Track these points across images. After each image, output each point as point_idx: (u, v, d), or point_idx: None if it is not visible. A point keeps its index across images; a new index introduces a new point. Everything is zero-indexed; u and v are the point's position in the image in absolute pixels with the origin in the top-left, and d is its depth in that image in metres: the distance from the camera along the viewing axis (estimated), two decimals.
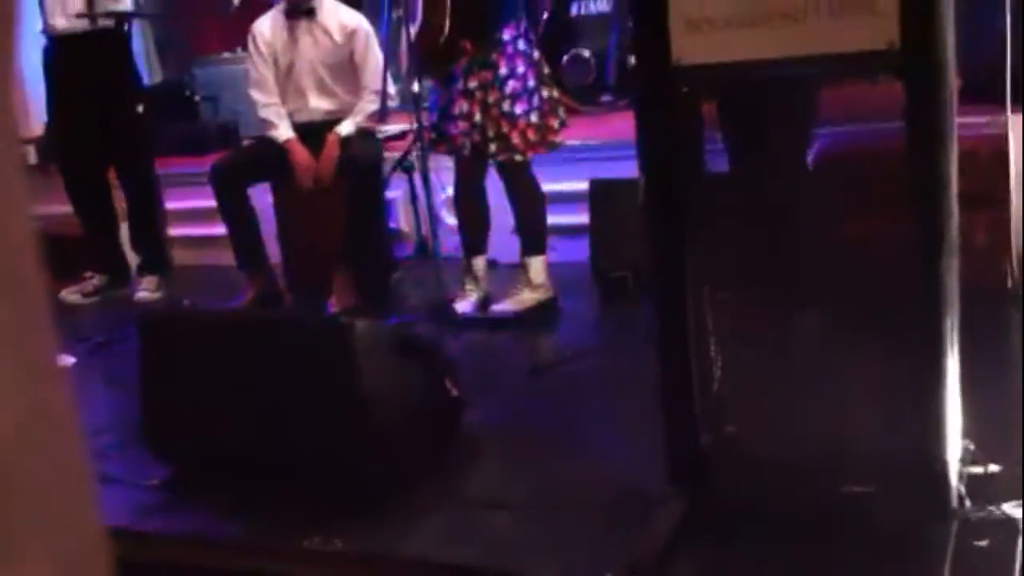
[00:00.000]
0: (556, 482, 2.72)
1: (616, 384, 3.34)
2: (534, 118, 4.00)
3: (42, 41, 5.02)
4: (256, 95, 4.65)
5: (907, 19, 2.03)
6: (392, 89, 4.54)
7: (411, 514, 2.62)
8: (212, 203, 4.62)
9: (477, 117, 4.00)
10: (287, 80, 4.65)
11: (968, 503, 2.22)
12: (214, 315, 3.72)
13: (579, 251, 4.47)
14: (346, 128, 4.54)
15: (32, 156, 5.86)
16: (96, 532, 0.55)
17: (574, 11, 6.03)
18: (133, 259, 5.29)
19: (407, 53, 4.16)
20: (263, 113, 4.63)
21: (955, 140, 2.14)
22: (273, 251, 4.83)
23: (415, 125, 4.33)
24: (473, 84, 4.01)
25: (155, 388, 2.97)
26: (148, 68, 7.01)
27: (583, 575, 2.33)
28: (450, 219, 4.64)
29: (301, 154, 4.52)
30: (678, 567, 2.27)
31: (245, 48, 4.88)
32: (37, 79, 5.08)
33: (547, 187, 4.32)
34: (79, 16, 4.81)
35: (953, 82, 2.14)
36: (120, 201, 5.22)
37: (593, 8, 5.99)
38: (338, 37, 4.60)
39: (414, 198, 4.77)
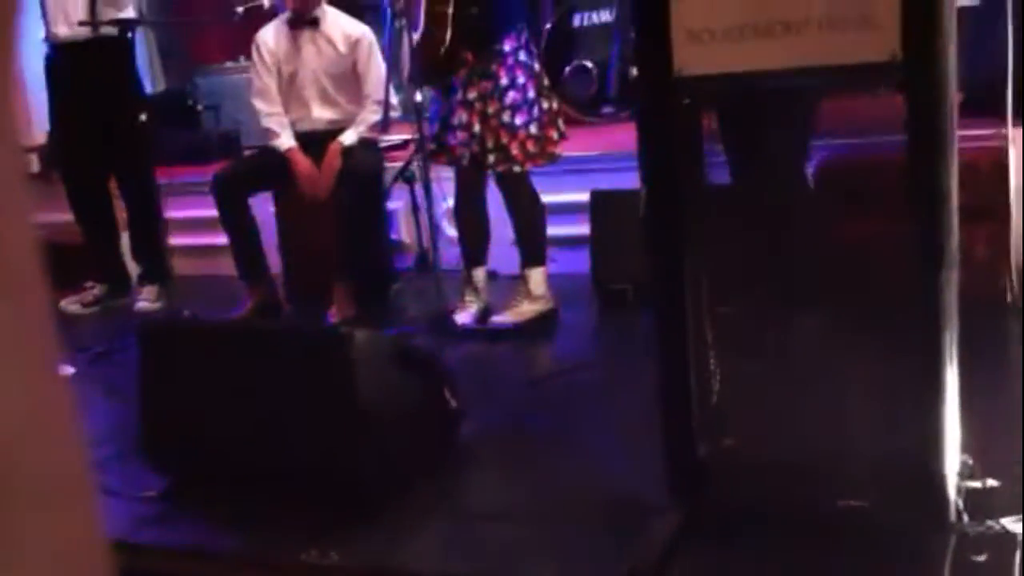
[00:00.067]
0: (555, 492, 2.71)
1: (615, 395, 3.34)
2: (533, 129, 4.00)
3: (44, 49, 5.02)
4: (259, 104, 4.65)
5: (909, 31, 2.03)
6: (394, 99, 4.54)
7: (410, 525, 2.62)
8: (213, 212, 4.62)
9: (476, 128, 4.00)
10: (290, 89, 4.66)
11: (966, 517, 2.21)
12: (214, 325, 3.71)
13: (580, 262, 4.47)
14: (348, 138, 4.54)
15: (35, 164, 5.87)
16: (97, 536, 0.55)
17: (576, 22, 6.04)
18: (134, 269, 5.29)
19: (408, 62, 4.16)
20: (265, 122, 4.63)
21: (956, 153, 2.14)
22: (274, 261, 4.83)
23: (416, 135, 4.33)
24: (473, 95, 4.01)
25: (154, 398, 2.96)
26: (151, 76, 7.02)
27: None
28: (451, 230, 4.64)
29: (303, 164, 4.52)
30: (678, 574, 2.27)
31: (248, 57, 4.89)
32: (40, 87, 5.08)
33: (548, 198, 4.32)
34: (82, 24, 4.81)
35: (954, 95, 2.14)
36: (121, 210, 5.22)
37: (595, 19, 6.00)
38: (342, 47, 4.60)
39: (415, 208, 4.77)
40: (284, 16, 4.67)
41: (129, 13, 4.95)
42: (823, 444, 2.33)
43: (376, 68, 4.58)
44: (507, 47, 4.00)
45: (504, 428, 3.21)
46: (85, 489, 0.55)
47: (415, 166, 4.62)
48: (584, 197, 4.50)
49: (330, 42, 4.61)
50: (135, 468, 2.98)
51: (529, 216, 4.19)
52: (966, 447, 2.26)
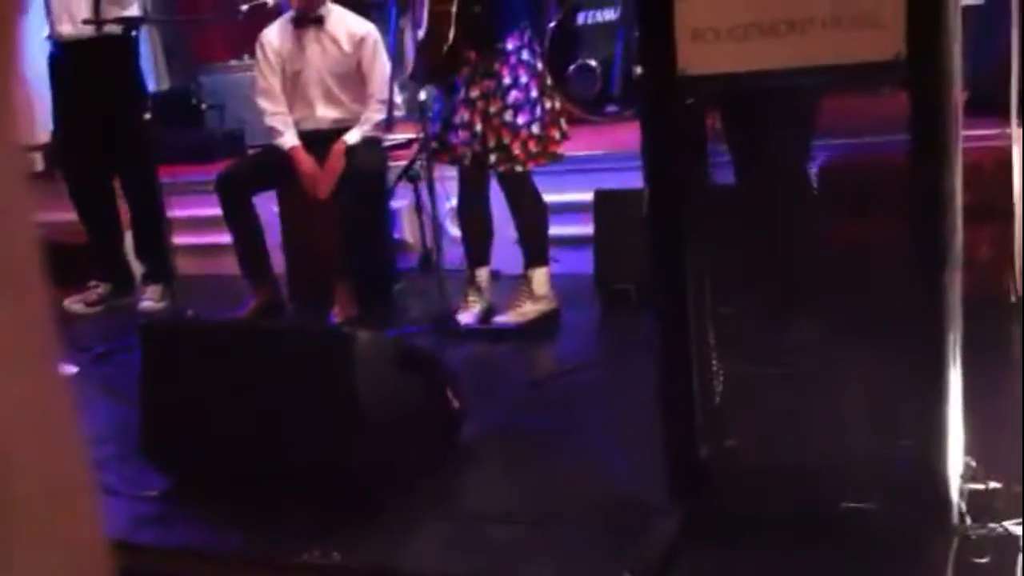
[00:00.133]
0: (556, 493, 2.71)
1: (617, 396, 3.33)
2: (536, 129, 4.00)
3: (48, 47, 5.02)
4: (263, 103, 4.65)
5: (913, 30, 2.03)
6: (399, 98, 4.53)
7: (411, 525, 2.61)
8: (217, 211, 4.62)
9: (478, 127, 4.00)
10: (294, 88, 4.66)
11: (969, 520, 2.21)
12: (215, 325, 3.71)
13: (583, 262, 4.47)
14: (353, 137, 4.54)
15: (38, 163, 5.87)
16: (97, 534, 0.55)
17: (580, 20, 6.03)
18: (138, 268, 5.29)
19: (411, 61, 4.16)
20: (269, 121, 4.63)
21: (960, 152, 2.13)
22: (277, 260, 4.83)
23: (420, 134, 4.33)
24: (475, 93, 4.01)
25: (156, 398, 2.96)
26: (155, 75, 7.02)
27: None
28: (454, 230, 4.63)
29: (306, 163, 4.52)
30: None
31: (252, 56, 4.89)
32: (44, 85, 5.08)
33: (551, 197, 4.31)
34: (86, 22, 4.81)
35: (958, 94, 2.14)
36: (125, 209, 5.22)
37: (599, 17, 5.99)
38: (346, 46, 4.60)
39: (419, 208, 4.77)
40: (288, 14, 4.67)
41: (133, 11, 4.95)
42: (825, 446, 2.32)
43: (381, 67, 4.57)
44: (510, 46, 3.99)
45: (506, 428, 3.21)
46: (85, 488, 0.55)
47: (419, 165, 4.62)
48: (588, 197, 4.50)
49: (334, 41, 4.61)
50: (137, 467, 2.98)
51: (531, 216, 4.19)
52: (969, 449, 2.26)
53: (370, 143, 4.59)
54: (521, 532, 2.55)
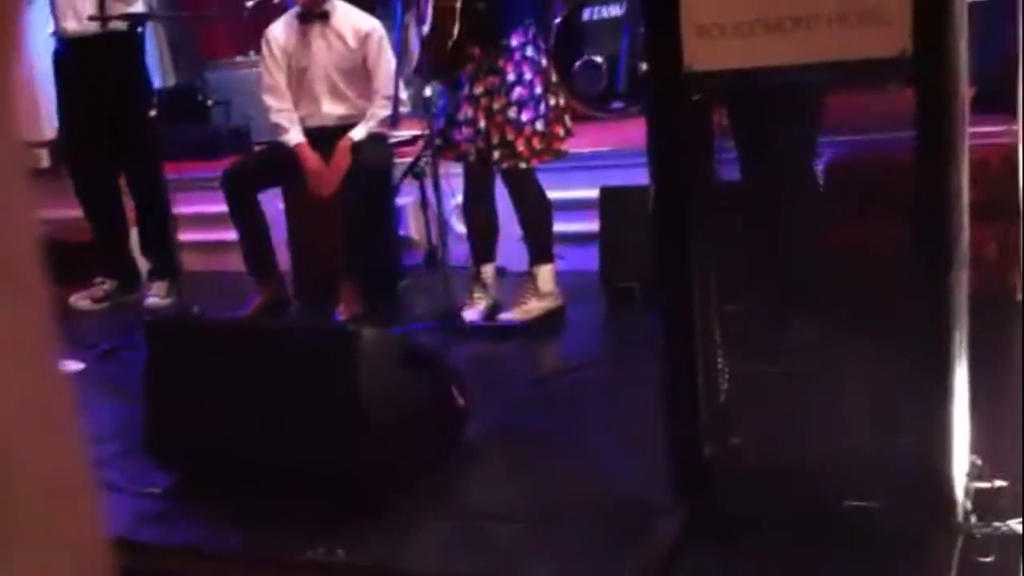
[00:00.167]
0: (559, 492, 2.71)
1: (621, 394, 3.33)
2: (540, 126, 3.99)
3: (53, 44, 5.03)
4: (268, 100, 4.65)
5: (919, 26, 2.02)
6: (404, 94, 4.53)
7: (414, 524, 2.61)
8: (223, 208, 4.62)
9: (481, 123, 4.00)
10: (300, 85, 4.65)
11: (974, 518, 2.20)
12: (220, 323, 3.71)
13: (588, 259, 4.46)
14: (358, 134, 4.53)
15: (45, 160, 5.88)
16: (97, 535, 0.55)
17: (586, 16, 6.02)
18: (143, 264, 5.30)
19: (417, 57, 4.16)
20: (275, 118, 4.63)
21: (966, 149, 2.13)
22: (283, 257, 4.83)
23: (426, 131, 4.33)
24: (479, 90, 4.00)
25: (160, 395, 2.96)
26: (161, 72, 7.03)
27: None
28: (459, 226, 4.63)
29: (311, 159, 4.51)
30: None
31: (258, 52, 4.89)
32: (50, 82, 5.09)
33: (557, 194, 4.31)
34: (91, 19, 4.81)
35: (965, 91, 2.13)
36: (130, 206, 5.23)
37: (605, 13, 5.98)
38: (352, 41, 4.59)
39: (424, 205, 4.77)
40: (294, 10, 4.67)
41: (138, 8, 4.95)
42: (830, 444, 2.32)
43: (386, 63, 4.57)
44: (515, 42, 3.99)
45: (509, 427, 3.21)
46: (85, 486, 0.55)
47: (424, 162, 4.61)
48: (593, 193, 4.49)
49: (340, 36, 4.60)
50: (141, 465, 2.99)
51: (536, 213, 4.18)
52: (974, 447, 2.25)
53: (375, 140, 4.59)
54: (523, 531, 2.55)
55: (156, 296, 5.12)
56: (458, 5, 3.93)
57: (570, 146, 4.16)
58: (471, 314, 4.19)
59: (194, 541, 2.70)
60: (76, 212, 5.12)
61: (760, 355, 2.59)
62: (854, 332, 2.45)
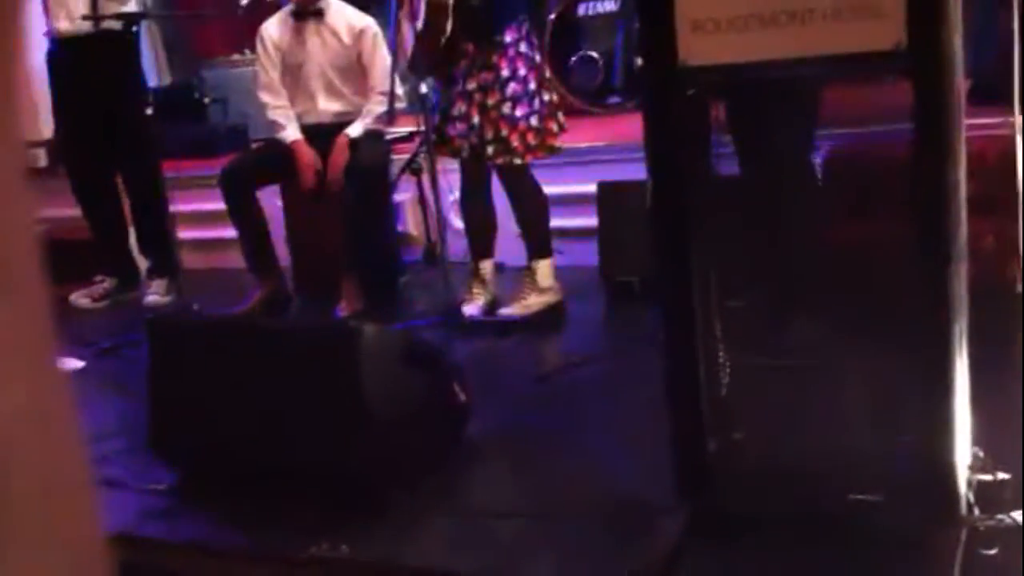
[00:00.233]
0: (561, 490, 2.71)
1: (622, 390, 3.33)
2: (534, 121, 3.99)
3: (46, 44, 5.02)
4: (264, 97, 4.65)
5: (914, 19, 2.03)
6: (400, 90, 4.54)
7: (417, 521, 2.62)
8: (222, 206, 4.62)
9: (475, 119, 4.00)
10: (295, 82, 4.66)
11: (977, 511, 2.20)
12: (221, 320, 3.72)
13: (587, 254, 4.46)
14: (355, 130, 4.54)
15: (42, 159, 5.87)
16: (95, 534, 0.55)
17: (581, 11, 6.02)
18: (143, 262, 5.30)
19: (410, 54, 4.16)
20: (271, 115, 4.63)
21: (963, 142, 2.13)
22: (282, 254, 4.83)
23: (421, 127, 4.33)
24: (472, 86, 4.01)
25: (163, 393, 2.97)
26: (157, 70, 7.02)
27: None
28: (458, 222, 4.64)
29: (307, 156, 4.52)
30: (683, 575, 2.26)
31: (254, 50, 4.89)
32: (45, 81, 5.08)
33: (555, 189, 4.31)
34: (85, 18, 4.81)
35: (961, 83, 2.13)
36: (129, 204, 5.23)
37: (600, 8, 5.98)
38: (346, 38, 4.59)
39: (422, 201, 4.77)
40: (288, 8, 4.67)
41: (131, 7, 4.95)
42: (832, 439, 2.32)
43: (381, 59, 4.57)
44: (508, 38, 3.99)
45: (511, 424, 3.20)
46: (84, 486, 0.55)
47: (421, 158, 4.61)
48: (591, 188, 4.49)
49: (334, 33, 4.60)
50: (144, 462, 2.99)
51: (532, 208, 4.18)
52: (976, 439, 2.25)
53: (372, 136, 4.60)
54: (526, 529, 2.55)
55: (156, 294, 5.12)
56: (451, 1, 3.93)
57: (567, 141, 4.16)
58: (471, 310, 4.19)
59: (198, 537, 2.70)
60: (75, 211, 5.13)
61: (761, 349, 2.59)
62: (854, 326, 2.45)
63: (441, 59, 4.03)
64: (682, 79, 2.24)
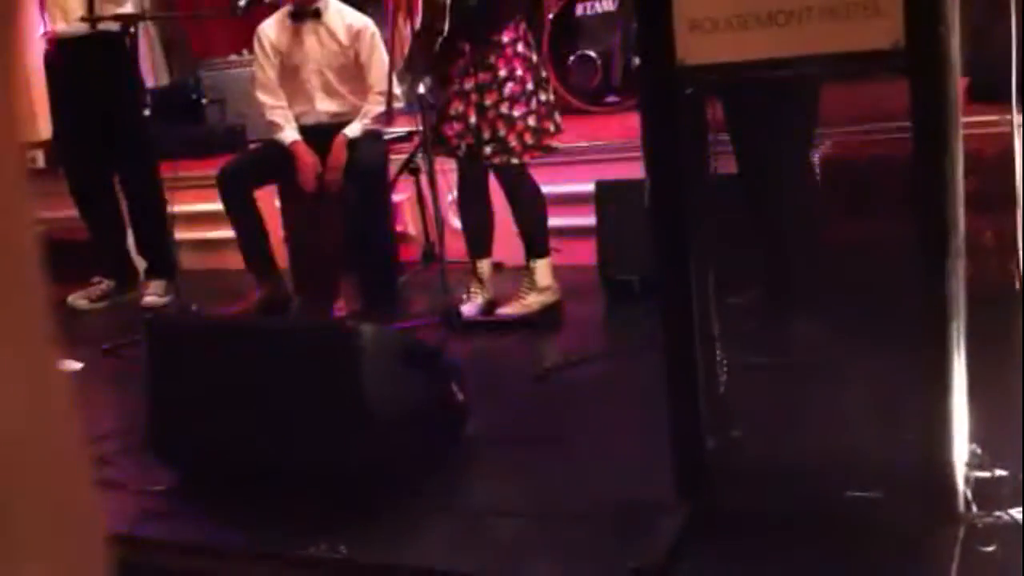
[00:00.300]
0: (561, 489, 2.70)
1: (621, 389, 3.33)
2: (531, 121, 4.00)
3: (43, 45, 5.02)
4: (262, 98, 4.65)
5: (912, 18, 2.03)
6: (398, 90, 4.54)
7: (416, 521, 2.62)
8: (220, 206, 4.62)
9: (472, 119, 4.01)
10: (293, 82, 4.66)
11: (975, 508, 2.21)
12: (220, 321, 3.72)
13: (586, 254, 4.46)
14: (353, 130, 4.54)
15: (40, 160, 5.87)
16: (96, 534, 0.55)
17: (579, 11, 6.03)
18: (141, 263, 5.30)
19: (406, 54, 4.16)
20: (270, 115, 4.63)
21: (960, 140, 2.13)
22: (281, 254, 4.83)
23: (419, 127, 4.33)
24: (469, 85, 4.01)
25: (161, 393, 2.97)
26: (155, 71, 7.02)
27: None
28: (456, 222, 4.64)
29: (308, 157, 4.52)
30: (683, 573, 2.26)
31: (251, 51, 4.89)
32: (43, 82, 5.08)
33: (553, 189, 4.31)
34: (81, 20, 4.81)
35: (958, 81, 2.14)
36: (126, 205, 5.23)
37: (598, 8, 5.99)
38: (344, 39, 4.60)
39: (421, 200, 4.77)
40: (286, 8, 4.67)
41: (127, 8, 4.94)
42: (831, 436, 2.32)
43: (379, 59, 4.57)
44: (506, 38, 3.99)
45: (510, 424, 3.20)
46: (85, 485, 0.55)
47: (419, 158, 4.62)
48: (589, 187, 4.49)
49: (332, 34, 4.61)
50: (143, 463, 2.99)
51: (530, 208, 4.18)
52: (974, 437, 2.25)
53: (371, 136, 4.60)
54: (526, 528, 2.55)
55: (154, 295, 5.12)
56: (448, 1, 3.94)
57: (565, 141, 4.16)
58: (469, 309, 4.19)
59: (197, 538, 2.70)
60: (73, 211, 5.13)
61: (759, 347, 2.59)
62: (853, 324, 2.45)
63: (437, 59, 4.04)
64: (680, 78, 2.25)
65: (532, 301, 4.18)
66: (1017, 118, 3.07)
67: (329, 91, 4.66)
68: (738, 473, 2.42)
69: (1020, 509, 2.20)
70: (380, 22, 4.65)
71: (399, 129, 5.11)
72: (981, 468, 2.27)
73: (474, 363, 3.55)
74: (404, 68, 4.33)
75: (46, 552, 0.50)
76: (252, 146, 5.70)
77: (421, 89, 4.18)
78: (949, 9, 2.05)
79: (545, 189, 4.22)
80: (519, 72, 3.99)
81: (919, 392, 2.20)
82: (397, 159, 4.89)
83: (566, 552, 2.42)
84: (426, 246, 4.97)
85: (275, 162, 4.59)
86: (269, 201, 4.89)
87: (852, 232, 3.12)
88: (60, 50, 4.96)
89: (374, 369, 2.69)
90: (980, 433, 2.26)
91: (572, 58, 5.96)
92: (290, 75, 4.65)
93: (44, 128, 5.52)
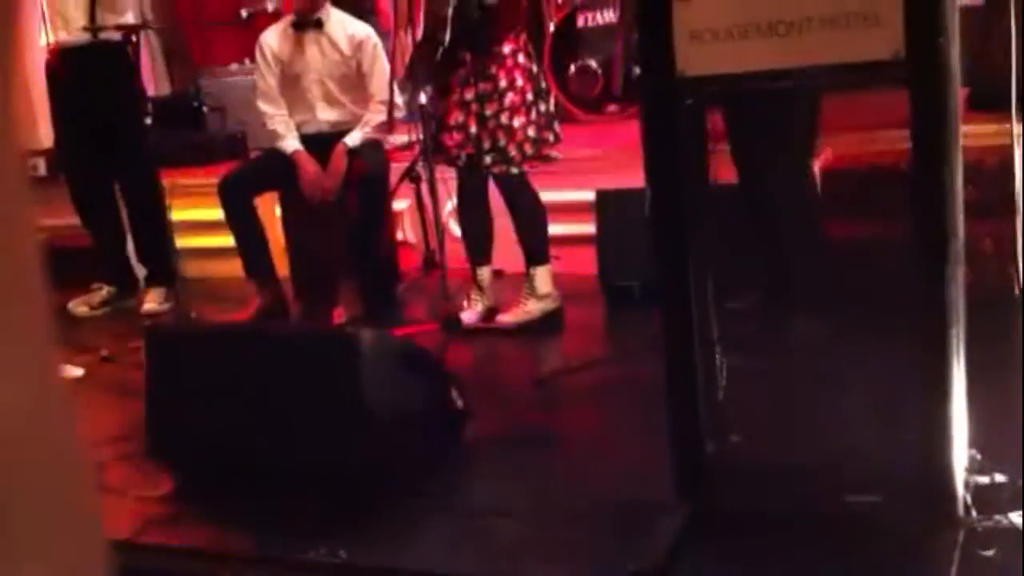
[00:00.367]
0: (560, 492, 2.71)
1: (621, 394, 3.33)
2: (531, 132, 4.01)
3: (44, 55, 5.03)
4: (264, 106, 4.66)
5: (912, 29, 2.04)
6: (399, 99, 4.55)
7: (416, 524, 2.62)
8: (220, 214, 4.63)
9: (472, 129, 4.01)
10: (295, 91, 4.66)
11: (974, 512, 2.21)
12: (220, 327, 3.72)
13: (586, 261, 4.47)
14: (353, 139, 4.55)
15: (42, 168, 5.87)
16: (96, 536, 0.55)
17: (580, 22, 6.05)
18: (141, 271, 5.30)
19: (407, 63, 4.17)
20: (271, 124, 4.64)
21: (960, 149, 2.14)
22: (282, 262, 4.83)
23: (420, 136, 4.34)
24: (469, 95, 4.02)
25: (162, 399, 2.97)
26: (156, 80, 7.02)
27: None
28: (456, 229, 4.65)
29: (310, 166, 4.53)
30: (682, 574, 2.26)
31: (253, 60, 4.90)
32: (44, 90, 5.09)
33: (554, 197, 4.31)
34: (83, 29, 4.82)
35: (958, 91, 2.14)
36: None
37: (599, 19, 6.01)
38: (346, 48, 4.60)
39: (421, 208, 4.78)
40: (288, 18, 4.68)
41: (129, 19, 4.96)
42: (830, 440, 2.33)
43: (380, 68, 4.58)
44: (506, 49, 4.00)
45: (510, 427, 3.21)
46: (86, 490, 0.55)
47: (420, 166, 4.62)
48: (590, 196, 4.50)
49: (334, 44, 4.61)
50: (143, 468, 2.99)
51: (530, 216, 4.19)
52: (973, 442, 2.26)
53: (371, 145, 4.60)
54: (526, 530, 2.56)
55: (154, 302, 5.12)
56: (450, 12, 3.95)
57: (566, 150, 4.17)
58: (469, 316, 4.20)
59: (197, 543, 2.70)
60: (74, 219, 5.12)
61: (759, 352, 2.59)
62: (853, 329, 2.45)
63: (438, 69, 4.05)
64: (680, 89, 2.25)
65: (532, 308, 4.18)
66: (1017, 128, 3.08)
67: (330, 100, 4.67)
68: (737, 475, 2.42)
69: (1019, 513, 2.20)
70: (380, 33, 4.66)
71: (399, 137, 5.12)
72: (980, 473, 2.28)
73: (474, 370, 3.55)
74: (405, 78, 4.34)
75: (46, 552, 0.51)
76: (253, 154, 5.70)
77: (422, 99, 4.19)
78: (949, 19, 2.06)
79: (545, 198, 4.22)
80: (520, 82, 4.00)
81: (919, 396, 2.20)
82: (398, 167, 4.89)
83: (566, 553, 2.43)
84: (426, 253, 4.97)
85: (276, 171, 4.59)
86: (269, 209, 4.89)
87: (852, 240, 3.13)
88: (62, 59, 4.96)
89: (374, 375, 2.70)
90: (980, 438, 2.27)
91: (573, 68, 5.98)
92: (291, 84, 4.65)
93: (46, 136, 5.53)
